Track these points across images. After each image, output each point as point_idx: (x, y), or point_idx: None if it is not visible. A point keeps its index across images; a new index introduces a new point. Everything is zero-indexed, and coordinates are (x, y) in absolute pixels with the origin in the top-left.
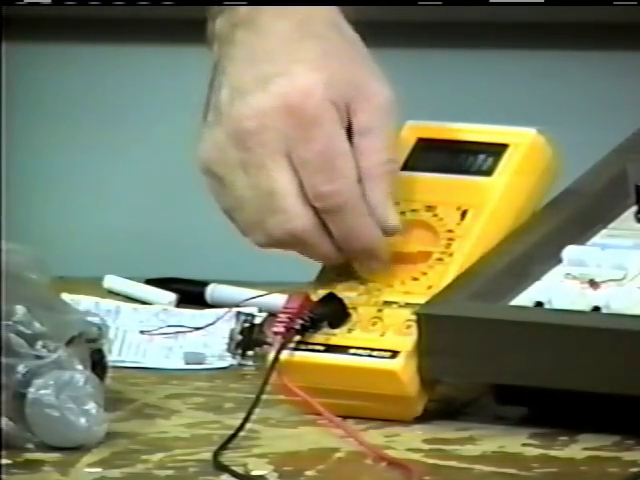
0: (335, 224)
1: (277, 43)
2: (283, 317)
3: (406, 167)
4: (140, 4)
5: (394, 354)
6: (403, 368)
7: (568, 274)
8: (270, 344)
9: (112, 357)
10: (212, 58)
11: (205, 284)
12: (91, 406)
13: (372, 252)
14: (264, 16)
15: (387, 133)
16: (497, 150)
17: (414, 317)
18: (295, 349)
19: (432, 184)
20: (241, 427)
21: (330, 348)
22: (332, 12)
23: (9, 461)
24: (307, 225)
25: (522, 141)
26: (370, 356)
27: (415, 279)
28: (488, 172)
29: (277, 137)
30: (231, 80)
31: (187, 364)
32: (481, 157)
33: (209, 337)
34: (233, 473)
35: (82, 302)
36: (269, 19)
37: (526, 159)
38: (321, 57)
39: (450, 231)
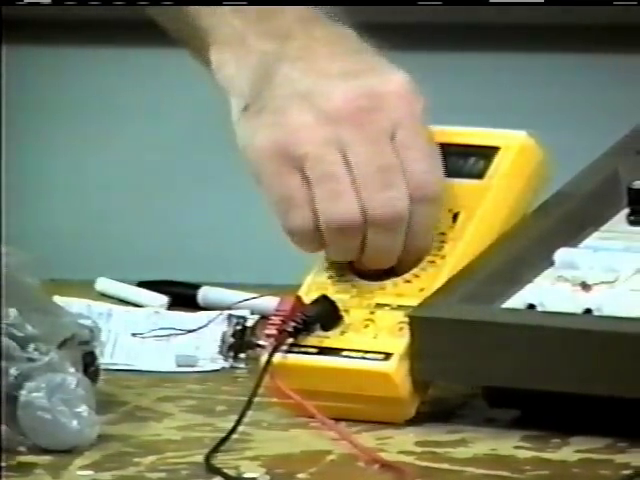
0: (419, 214)
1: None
2: (276, 320)
3: None
4: (140, 4)
5: (387, 356)
6: (396, 370)
7: (560, 276)
8: (262, 347)
9: (104, 360)
10: (241, 58)
11: (197, 287)
12: (83, 409)
13: (423, 255)
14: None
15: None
16: (488, 153)
17: (407, 319)
18: (288, 352)
19: None
20: (233, 430)
21: (323, 350)
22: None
23: (1, 464)
24: (406, 209)
25: (513, 144)
26: (363, 358)
27: (407, 281)
28: (479, 175)
29: (389, 120)
30: (310, 67)
31: (179, 366)
32: (472, 160)
33: (201, 340)
34: (225, 476)
35: (74, 305)
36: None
37: (517, 162)
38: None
39: (442, 234)
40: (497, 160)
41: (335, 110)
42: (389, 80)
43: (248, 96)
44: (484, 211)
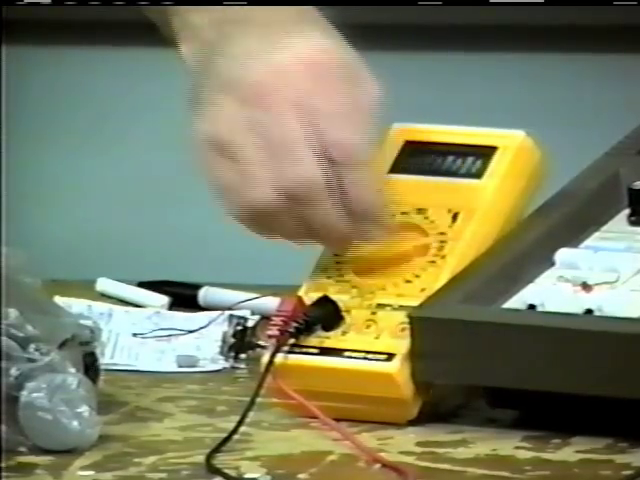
0: (349, 178)
1: (281, 25)
2: (277, 320)
3: (394, 169)
4: (140, 4)
5: (390, 357)
6: (399, 371)
7: (561, 277)
8: (263, 347)
9: (105, 360)
10: (189, 51)
11: (198, 287)
12: (84, 409)
13: (376, 214)
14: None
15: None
16: (486, 152)
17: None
18: (289, 352)
19: (421, 187)
20: (235, 430)
21: (324, 351)
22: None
23: (1, 464)
24: (319, 176)
25: (511, 144)
26: (365, 359)
27: (408, 281)
28: (478, 175)
29: (296, 92)
30: (238, 51)
31: (180, 367)
32: (470, 160)
33: (202, 340)
34: (226, 476)
35: (75, 305)
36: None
37: (515, 161)
38: (327, 31)
39: (442, 233)
40: (496, 160)
41: (246, 94)
42: (300, 52)
43: (192, 90)
44: (483, 211)
